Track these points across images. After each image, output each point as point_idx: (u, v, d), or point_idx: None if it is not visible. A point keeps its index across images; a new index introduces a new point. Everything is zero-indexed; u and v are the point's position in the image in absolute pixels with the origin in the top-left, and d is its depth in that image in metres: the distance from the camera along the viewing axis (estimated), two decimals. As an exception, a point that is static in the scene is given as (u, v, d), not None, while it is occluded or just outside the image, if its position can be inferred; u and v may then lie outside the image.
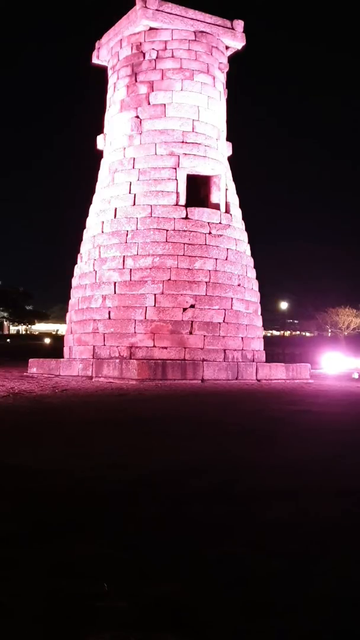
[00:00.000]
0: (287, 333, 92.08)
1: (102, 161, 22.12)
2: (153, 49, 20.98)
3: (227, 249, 20.30)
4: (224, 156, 21.60)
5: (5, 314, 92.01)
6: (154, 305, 19.06)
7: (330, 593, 2.86)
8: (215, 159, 20.84)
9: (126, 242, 19.80)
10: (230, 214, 21.00)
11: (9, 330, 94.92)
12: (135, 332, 18.95)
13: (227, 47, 22.10)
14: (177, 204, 19.93)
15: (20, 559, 3.23)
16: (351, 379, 22.55)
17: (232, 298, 20.00)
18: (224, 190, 21.00)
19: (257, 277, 21.87)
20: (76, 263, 21.91)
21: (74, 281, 21.72)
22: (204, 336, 19.15)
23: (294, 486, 5.03)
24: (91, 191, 22.38)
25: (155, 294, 19.10)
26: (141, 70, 21.06)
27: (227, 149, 22.07)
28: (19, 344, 59.62)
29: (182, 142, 20.42)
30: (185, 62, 20.89)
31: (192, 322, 19.15)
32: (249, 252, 21.67)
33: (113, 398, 13.01)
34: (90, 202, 22.17)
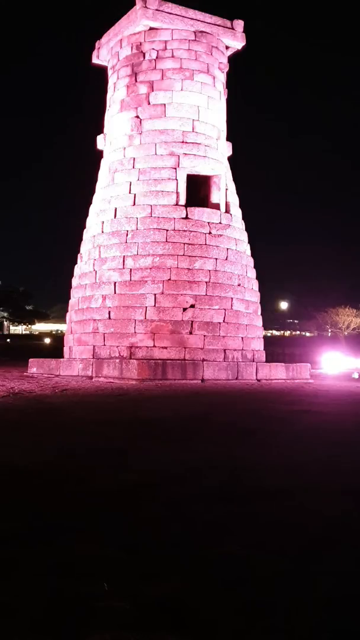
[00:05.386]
0: (287, 333, 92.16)
1: (102, 161, 22.12)
2: (153, 48, 20.98)
3: (227, 248, 20.30)
4: (224, 156, 21.60)
5: (5, 314, 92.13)
6: (154, 305, 19.06)
7: (331, 593, 2.86)
8: (215, 159, 20.84)
9: (126, 242, 19.80)
10: (230, 214, 21.00)
11: (9, 330, 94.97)
12: (135, 332, 18.95)
13: (227, 47, 22.10)
14: (177, 204, 19.93)
15: (20, 559, 3.23)
16: (351, 379, 22.54)
17: (232, 298, 20.00)
18: (224, 190, 21.00)
19: (257, 277, 21.87)
20: (76, 263, 21.91)
21: (74, 281, 21.72)
22: (204, 336, 19.15)
23: (294, 486, 5.03)
24: (91, 191, 22.39)
25: (155, 294, 19.10)
26: (141, 70, 21.07)
27: (227, 149, 22.07)
28: (19, 344, 59.65)
29: (182, 142, 20.42)
30: (185, 62, 20.89)
31: (192, 322, 19.15)
32: (249, 252, 21.67)
33: (113, 398, 13.01)
34: (90, 202, 22.17)
